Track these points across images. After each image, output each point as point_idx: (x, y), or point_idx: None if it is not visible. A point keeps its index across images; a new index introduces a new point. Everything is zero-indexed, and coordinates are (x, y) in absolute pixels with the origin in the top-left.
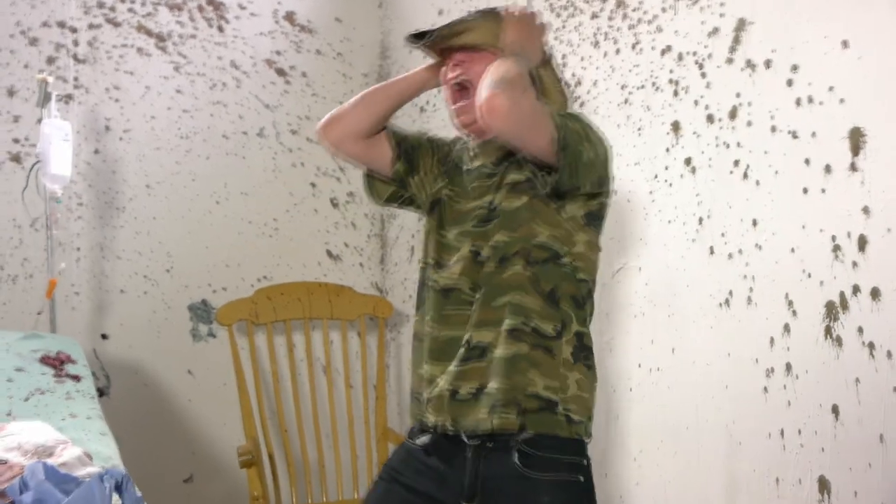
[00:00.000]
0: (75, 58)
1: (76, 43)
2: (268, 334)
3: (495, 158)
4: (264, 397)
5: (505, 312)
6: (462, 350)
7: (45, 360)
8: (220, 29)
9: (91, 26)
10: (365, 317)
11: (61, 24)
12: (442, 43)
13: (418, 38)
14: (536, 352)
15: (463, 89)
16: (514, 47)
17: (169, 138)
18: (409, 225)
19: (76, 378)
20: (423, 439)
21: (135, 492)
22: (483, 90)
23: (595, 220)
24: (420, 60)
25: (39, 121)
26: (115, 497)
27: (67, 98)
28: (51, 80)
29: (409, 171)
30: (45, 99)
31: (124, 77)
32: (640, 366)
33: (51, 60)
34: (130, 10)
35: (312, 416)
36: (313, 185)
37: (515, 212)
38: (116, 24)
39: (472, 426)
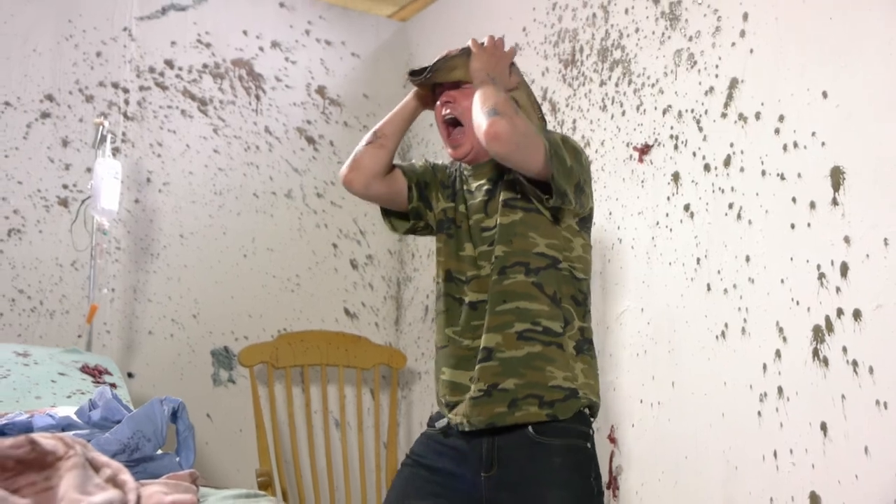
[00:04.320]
0: (125, 115)
1: (127, 102)
2: (286, 379)
3: (490, 177)
4: (279, 444)
5: (511, 318)
6: (473, 353)
7: (84, 370)
8: (258, 98)
9: (141, 88)
10: (380, 367)
11: (115, 85)
12: (435, 79)
13: (416, 73)
14: (550, 349)
15: (454, 124)
16: (481, 74)
17: (204, 193)
18: (424, 286)
19: (113, 386)
20: (442, 422)
21: (188, 420)
22: (481, 120)
23: (586, 223)
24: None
25: (88, 170)
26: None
27: (115, 151)
28: (106, 123)
29: (426, 207)
30: (100, 140)
31: (167, 135)
32: (641, 402)
33: (103, 116)
34: (178, 76)
35: (326, 459)
36: (335, 245)
37: (510, 226)
38: (164, 88)
39: (489, 421)
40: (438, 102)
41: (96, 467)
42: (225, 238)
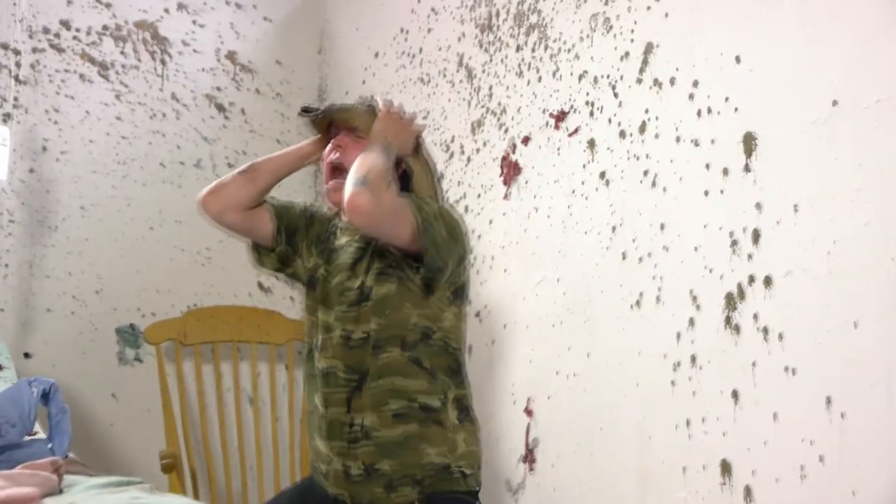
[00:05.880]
0: (17, 79)
1: (18, 65)
2: (196, 356)
3: (360, 237)
4: (189, 424)
5: (386, 396)
6: (348, 431)
7: None
8: (163, 63)
9: (35, 50)
10: (294, 342)
11: (4, 46)
12: (331, 118)
13: (310, 111)
14: (427, 427)
15: (338, 170)
16: (379, 136)
17: (106, 162)
18: None
19: None
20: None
21: (62, 402)
22: (347, 188)
23: (461, 293)
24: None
25: None
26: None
27: (6, 117)
28: None
29: (293, 252)
30: None
31: (65, 101)
32: (557, 373)
33: None
34: (75, 38)
35: (238, 437)
36: None
37: (385, 298)
38: (60, 50)
39: (370, 500)
40: (330, 144)
41: None
42: (129, 210)
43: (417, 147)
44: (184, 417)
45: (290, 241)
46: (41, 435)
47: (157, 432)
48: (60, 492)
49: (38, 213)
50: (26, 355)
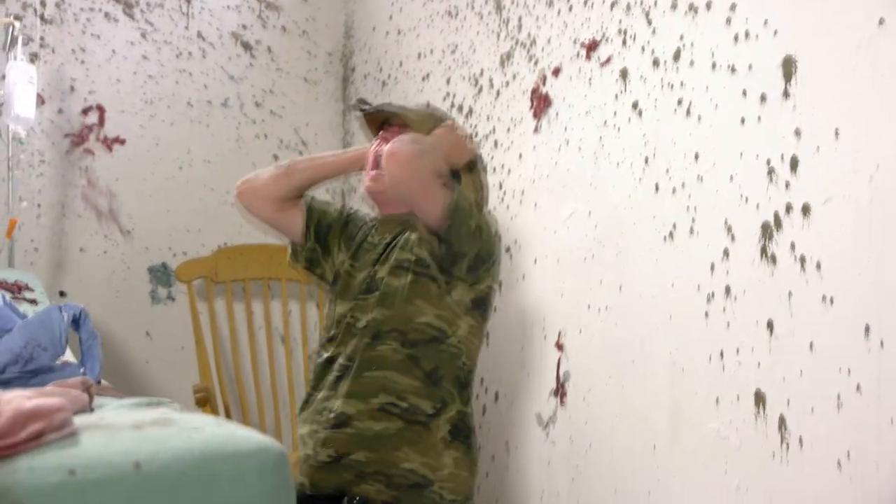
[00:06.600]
0: (42, 18)
1: (43, 3)
2: (227, 294)
3: (393, 233)
4: (222, 361)
5: (377, 388)
6: (329, 416)
7: (1, 285)
8: (188, 0)
9: None
10: None
11: None
12: (384, 114)
13: (367, 104)
14: (413, 428)
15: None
16: (429, 138)
17: (133, 102)
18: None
19: (33, 302)
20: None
21: (92, 328)
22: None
23: (481, 306)
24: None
25: (2, 77)
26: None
27: (33, 56)
28: (17, 24)
29: (321, 253)
30: (11, 42)
31: (90, 40)
32: (589, 307)
33: (17, 18)
34: None
35: (270, 375)
36: (276, 157)
37: (396, 290)
38: None
39: (334, 488)
40: (379, 134)
41: None
42: (158, 149)
43: (472, 165)
44: (216, 354)
45: (320, 239)
46: (73, 361)
47: (192, 370)
48: (91, 411)
49: (69, 153)
50: (61, 294)
